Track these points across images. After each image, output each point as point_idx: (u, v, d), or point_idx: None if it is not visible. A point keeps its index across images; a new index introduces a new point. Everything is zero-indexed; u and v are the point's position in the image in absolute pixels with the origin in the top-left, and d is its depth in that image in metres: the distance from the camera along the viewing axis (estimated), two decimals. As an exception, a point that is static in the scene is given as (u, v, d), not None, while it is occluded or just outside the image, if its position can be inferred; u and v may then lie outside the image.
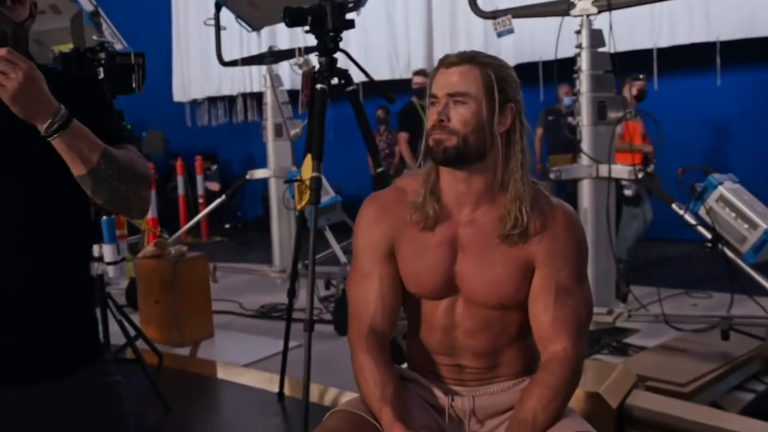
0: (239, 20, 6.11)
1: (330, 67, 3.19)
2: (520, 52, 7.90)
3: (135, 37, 6.83)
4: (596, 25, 4.20)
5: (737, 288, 3.98)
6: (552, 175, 4.19)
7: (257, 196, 10.20)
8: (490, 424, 1.75)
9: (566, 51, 4.33)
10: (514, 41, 7.80)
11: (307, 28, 3.14)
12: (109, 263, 3.83)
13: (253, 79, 10.10)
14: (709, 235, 3.78)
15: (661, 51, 7.03)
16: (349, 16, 3.37)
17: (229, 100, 10.94)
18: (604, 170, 4.11)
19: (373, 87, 3.54)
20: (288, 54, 5.74)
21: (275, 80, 5.84)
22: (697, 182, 3.87)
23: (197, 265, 4.89)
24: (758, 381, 3.59)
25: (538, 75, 7.54)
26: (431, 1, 8.84)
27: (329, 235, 5.10)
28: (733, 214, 3.69)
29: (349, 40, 8.77)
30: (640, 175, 4.02)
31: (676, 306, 4.96)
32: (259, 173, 5.90)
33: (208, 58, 9.16)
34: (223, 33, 6.08)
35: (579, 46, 4.19)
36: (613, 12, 4.15)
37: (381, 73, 8.58)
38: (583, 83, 4.15)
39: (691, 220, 3.81)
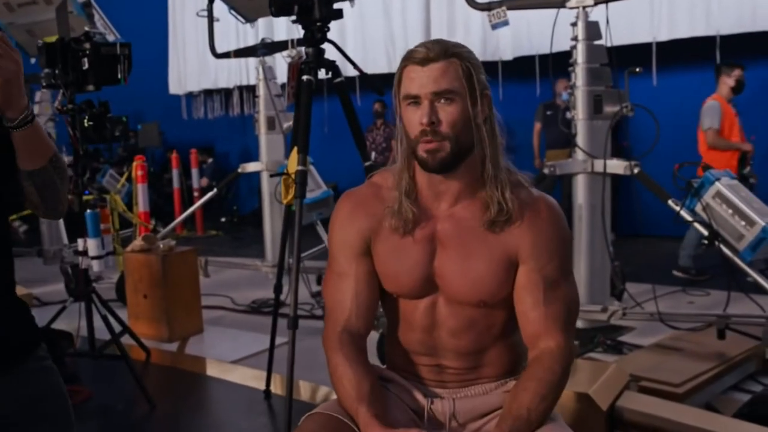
0: (232, 11, 6.02)
1: (317, 57, 3.11)
2: (518, 45, 7.82)
3: (131, 29, 6.76)
4: (593, 18, 4.12)
5: (734, 286, 3.91)
6: (546, 170, 4.12)
7: (254, 190, 10.12)
8: (470, 428, 1.68)
9: (564, 45, 4.26)
10: (512, 35, 7.73)
11: (293, 18, 3.05)
12: (93, 257, 3.75)
13: (250, 71, 10.00)
14: (705, 232, 3.71)
15: (660, 45, 6.94)
16: (344, 6, 3.29)
17: (226, 93, 10.85)
18: (599, 165, 4.03)
19: (363, 79, 3.45)
20: (281, 46, 5.65)
21: (268, 72, 5.76)
22: (693, 178, 3.80)
23: (186, 260, 4.82)
24: (754, 381, 3.54)
25: (535, 69, 7.44)
26: (429, -6, 8.76)
27: (321, 230, 5.02)
28: (730, 211, 3.62)
29: (345, 32, 8.77)
30: (636, 171, 3.94)
31: (673, 304, 4.90)
32: (251, 166, 5.82)
33: (204, 50, 9.08)
34: (219, 25, 5.99)
35: (575, 38, 4.10)
36: (612, 5, 4.07)
37: (378, 66, 8.49)
38: (579, 76, 4.07)
39: (688, 217, 3.73)
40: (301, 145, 3.01)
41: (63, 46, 3.68)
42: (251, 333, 4.78)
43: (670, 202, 3.83)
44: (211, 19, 5.99)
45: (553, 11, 4.12)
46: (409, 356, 1.73)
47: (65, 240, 6.63)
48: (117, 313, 4.03)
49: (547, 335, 1.60)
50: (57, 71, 3.68)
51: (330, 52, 3.23)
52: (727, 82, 5.81)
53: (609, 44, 4.15)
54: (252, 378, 3.93)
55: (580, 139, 4.09)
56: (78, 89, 3.75)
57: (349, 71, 3.99)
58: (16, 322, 1.64)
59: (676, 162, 3.94)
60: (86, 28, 4.41)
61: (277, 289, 3.55)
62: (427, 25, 8.64)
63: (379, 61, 8.70)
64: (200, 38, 9.72)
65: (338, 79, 3.20)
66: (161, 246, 4.70)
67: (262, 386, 3.70)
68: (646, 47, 6.87)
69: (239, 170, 5.83)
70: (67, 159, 3.25)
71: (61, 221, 6.44)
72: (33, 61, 5.52)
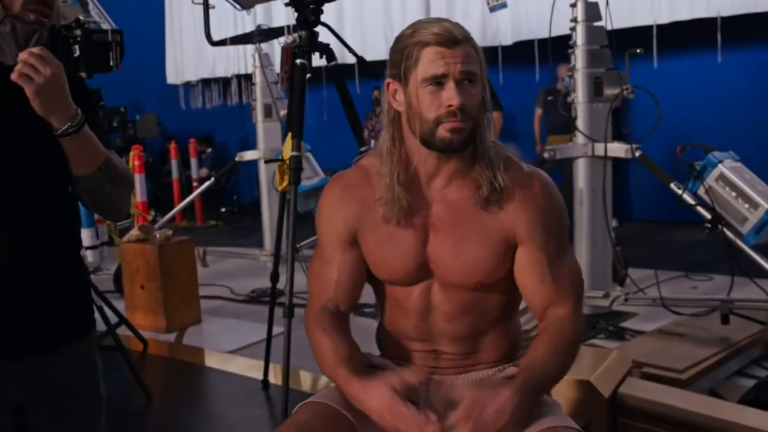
0: (228, -2, 5.95)
1: (311, 41, 3.04)
2: (517, 30, 7.73)
3: (127, 18, 6.69)
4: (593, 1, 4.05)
5: (738, 270, 3.85)
6: (546, 154, 4.06)
7: (254, 180, 10.06)
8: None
9: (565, 29, 4.19)
10: (511, 20, 7.66)
11: (286, 0, 2.98)
12: (87, 248, 3.70)
13: (248, 60, 9.85)
14: (708, 216, 3.65)
15: (660, 28, 6.86)
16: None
17: (224, 82, 10.77)
18: (600, 149, 3.97)
19: (361, 64, 3.39)
20: (277, 32, 5.58)
21: (264, 59, 5.69)
22: (696, 161, 3.74)
23: (183, 250, 4.77)
24: (759, 366, 3.48)
25: (535, 55, 7.36)
26: (428, -22, 8.67)
27: (319, 218, 4.96)
28: (734, 194, 3.56)
29: (344, 19, 8.68)
30: (637, 154, 3.88)
31: (676, 289, 4.84)
32: (248, 155, 5.77)
33: (201, 39, 8.97)
34: (216, 13, 5.92)
35: (574, 19, 4.04)
36: (613, -13, 4.01)
37: (378, 52, 8.40)
38: (579, 58, 4.01)
39: (690, 200, 3.68)
40: (295, 130, 2.95)
41: (53, 33, 3.61)
42: (250, 323, 4.73)
43: (672, 185, 3.77)
44: (206, 6, 5.92)
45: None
46: (403, 343, 1.68)
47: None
48: (115, 303, 3.98)
49: (557, 305, 1.58)
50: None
51: (327, 38, 3.18)
52: None
53: (609, 27, 4.08)
54: (250, 368, 3.89)
55: (581, 123, 4.04)
56: (69, 77, 3.68)
57: (348, 59, 3.93)
58: (75, 301, 1.65)
59: (677, 146, 3.88)
60: (81, 17, 4.35)
61: (274, 278, 3.50)
62: (427, 10, 8.55)
63: (378, 46, 8.61)
64: (197, 27, 9.59)
65: (332, 63, 3.14)
66: (158, 236, 4.65)
67: (260, 376, 3.66)
68: (646, 30, 6.79)
69: (236, 159, 5.78)
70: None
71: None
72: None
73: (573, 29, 4.04)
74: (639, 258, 5.36)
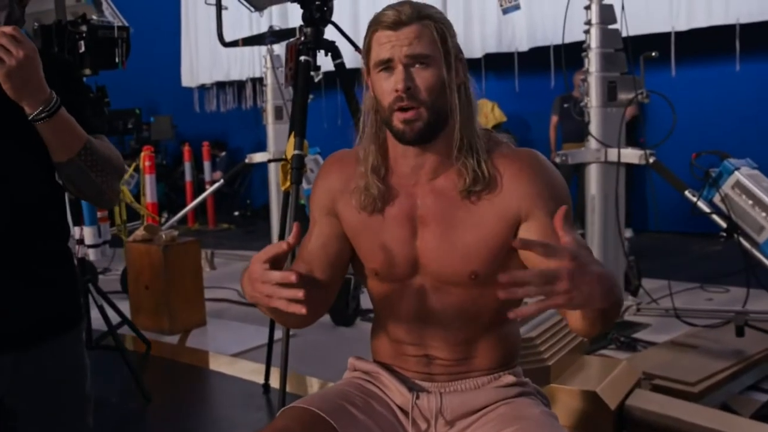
0: (242, 0, 5.91)
1: (316, 38, 2.98)
2: (533, 36, 7.65)
3: (143, 21, 6.68)
4: (607, 2, 3.97)
5: (754, 282, 3.75)
6: (558, 159, 3.97)
7: (267, 183, 10.03)
8: (459, 426, 1.55)
9: (582, 36, 4.11)
10: (527, 25, 7.58)
11: (291, -4, 2.92)
12: (90, 246, 3.65)
13: (263, 63, 9.92)
14: (724, 224, 3.54)
15: (678, 35, 6.75)
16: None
17: (238, 86, 10.75)
18: (613, 154, 3.88)
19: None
20: (290, 33, 5.52)
21: (275, 61, 5.65)
22: (712, 167, 3.64)
23: (189, 251, 4.71)
24: (774, 381, 3.37)
25: (550, 61, 7.27)
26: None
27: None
28: (751, 202, 3.46)
29: (359, 24, 8.63)
30: (651, 160, 3.78)
31: (690, 300, 4.73)
32: (258, 156, 5.73)
33: (216, 42, 8.99)
34: (231, 15, 5.89)
35: (588, 22, 3.95)
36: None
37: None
38: (593, 62, 3.92)
39: (705, 208, 3.57)
40: (297, 128, 2.90)
41: (59, 29, 3.58)
42: (254, 326, 4.66)
43: (686, 192, 3.68)
44: (219, 7, 5.89)
45: (570, 2, 3.97)
46: (395, 347, 1.61)
47: (72, 230, 6.55)
48: (121, 304, 3.94)
49: None
50: (53, 55, 3.59)
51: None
52: None
53: (625, 34, 3.99)
54: (251, 372, 3.82)
55: (594, 128, 3.94)
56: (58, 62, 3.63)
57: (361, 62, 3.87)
58: (59, 294, 1.62)
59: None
60: (94, 17, 4.33)
61: (276, 279, 3.42)
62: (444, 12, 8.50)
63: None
64: (212, 30, 9.59)
65: (338, 60, 3.07)
66: (163, 236, 4.60)
67: (261, 380, 3.59)
68: (664, 37, 6.68)
69: (246, 160, 5.73)
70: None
71: (69, 213, 6.39)
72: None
73: (587, 32, 3.96)
74: (653, 268, 5.25)
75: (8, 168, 1.50)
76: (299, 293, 1.27)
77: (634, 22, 4.00)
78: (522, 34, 7.73)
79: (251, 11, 6.11)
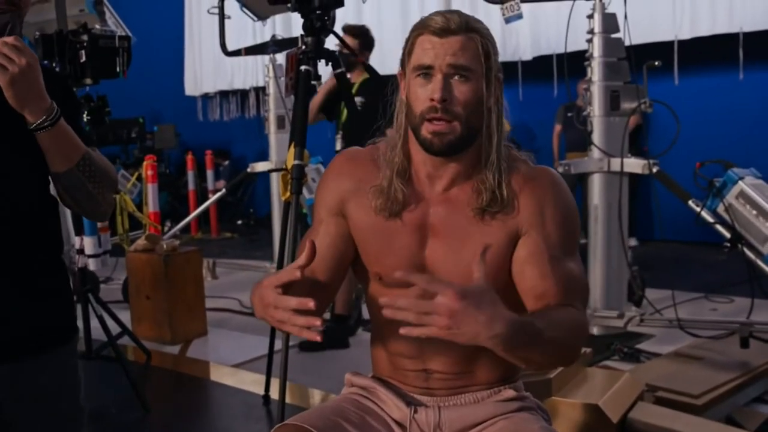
0: (244, 9, 5.93)
1: (316, 47, 2.97)
2: (537, 45, 7.64)
3: (146, 30, 6.69)
4: (610, 11, 3.95)
5: (758, 292, 3.71)
6: (561, 168, 3.94)
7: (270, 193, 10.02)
8: (458, 441, 1.53)
9: (585, 45, 4.09)
10: (531, 34, 7.56)
11: (290, 5, 2.91)
12: (90, 256, 3.64)
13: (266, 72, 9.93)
14: (728, 234, 3.52)
15: (682, 44, 6.73)
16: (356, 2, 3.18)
17: (242, 95, 10.76)
18: (616, 164, 3.86)
19: (368, 72, 3.31)
20: (292, 43, 5.53)
21: (278, 70, 5.64)
22: (716, 177, 3.61)
23: (190, 260, 4.70)
24: (779, 393, 3.33)
25: (553, 70, 7.25)
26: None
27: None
28: (755, 212, 3.43)
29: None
30: (654, 170, 3.75)
31: (694, 311, 4.69)
32: (260, 166, 5.71)
33: (219, 51, 9.00)
34: (235, 24, 5.90)
35: (591, 31, 3.94)
36: (632, 2, 3.90)
37: (396, 67, 8.35)
38: (595, 71, 3.91)
39: (709, 218, 3.55)
40: (297, 138, 2.88)
41: (60, 38, 3.58)
42: (256, 336, 4.62)
43: (690, 202, 3.65)
44: (222, 17, 5.91)
45: (573, 10, 3.96)
46: (394, 360, 1.59)
47: (73, 240, 6.54)
48: (122, 314, 3.91)
49: (561, 302, 1.41)
50: (54, 64, 3.58)
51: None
52: None
53: (628, 42, 3.98)
54: (252, 382, 3.80)
55: (597, 137, 3.93)
56: (75, 83, 3.64)
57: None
58: (54, 306, 1.62)
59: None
60: (98, 26, 4.33)
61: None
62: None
63: (396, 62, 8.54)
64: (216, 39, 9.64)
65: (339, 70, 3.06)
66: (164, 246, 4.58)
67: (262, 391, 3.56)
68: (667, 46, 6.66)
69: (249, 170, 5.72)
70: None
71: (69, 222, 6.38)
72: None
73: (590, 41, 3.95)
74: (657, 278, 5.22)
75: (6, 177, 1.49)
76: (317, 321, 1.25)
77: (637, 31, 3.98)
78: (525, 43, 7.72)
79: (254, 20, 6.14)
